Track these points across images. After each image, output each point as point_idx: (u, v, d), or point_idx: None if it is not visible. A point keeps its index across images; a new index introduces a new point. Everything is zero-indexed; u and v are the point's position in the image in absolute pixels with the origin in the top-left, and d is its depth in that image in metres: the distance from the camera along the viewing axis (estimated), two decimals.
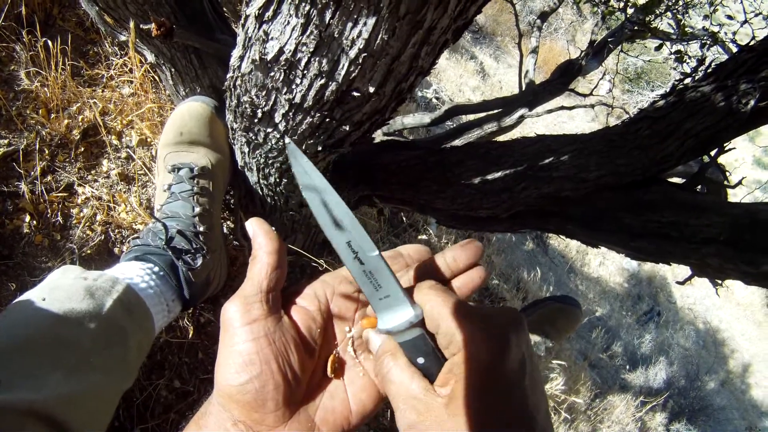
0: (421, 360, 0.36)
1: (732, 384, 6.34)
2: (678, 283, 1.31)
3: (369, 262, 0.37)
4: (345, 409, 0.39)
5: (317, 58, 0.60)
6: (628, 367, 4.13)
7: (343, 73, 0.61)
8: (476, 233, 2.64)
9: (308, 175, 0.37)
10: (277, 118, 0.74)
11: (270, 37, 0.62)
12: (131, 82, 1.29)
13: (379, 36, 0.55)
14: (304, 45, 0.59)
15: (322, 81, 0.63)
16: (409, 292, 0.38)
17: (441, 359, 0.36)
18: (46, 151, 1.12)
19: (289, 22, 0.58)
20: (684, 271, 1.16)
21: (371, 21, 0.53)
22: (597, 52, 2.06)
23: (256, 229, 0.40)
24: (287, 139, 0.38)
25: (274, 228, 0.39)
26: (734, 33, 1.80)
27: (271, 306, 0.37)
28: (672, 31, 2.09)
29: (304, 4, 0.54)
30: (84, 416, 0.62)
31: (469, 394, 0.32)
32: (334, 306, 0.42)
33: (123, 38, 0.99)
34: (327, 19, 0.54)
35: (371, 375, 0.40)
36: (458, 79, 5.09)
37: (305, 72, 0.62)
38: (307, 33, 0.57)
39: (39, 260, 1.01)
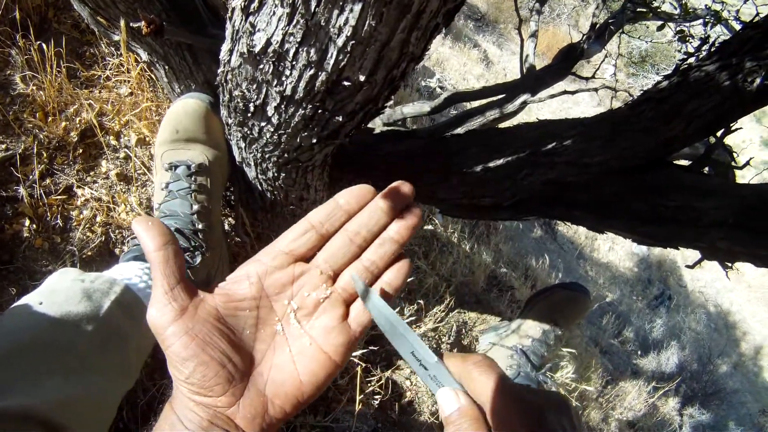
0: None
1: (744, 367, 6.29)
2: (688, 266, 1.29)
3: (431, 367, 0.40)
4: (295, 381, 0.40)
5: (305, 48, 0.58)
6: (639, 352, 4.10)
7: (332, 62, 0.59)
8: (482, 221, 2.62)
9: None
10: (270, 111, 0.72)
11: (257, 29, 0.60)
12: (128, 81, 1.28)
13: (367, 22, 0.53)
14: (291, 35, 0.57)
15: (312, 71, 0.61)
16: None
17: None
18: (44, 155, 1.11)
19: (275, 13, 0.56)
20: (694, 254, 1.14)
21: (357, 7, 0.51)
22: (599, 35, 2.03)
23: (138, 230, 0.40)
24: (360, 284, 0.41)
25: (151, 222, 0.40)
26: (737, 11, 1.76)
27: (181, 303, 0.39)
28: (675, 11, 2.05)
29: None
30: (83, 419, 0.62)
31: None
32: (269, 282, 0.42)
33: (117, 38, 0.97)
34: (312, 7, 0.53)
35: (319, 342, 0.41)
36: (462, 67, 5.05)
37: (294, 63, 0.61)
38: (294, 23, 0.56)
39: (39, 264, 1.01)
